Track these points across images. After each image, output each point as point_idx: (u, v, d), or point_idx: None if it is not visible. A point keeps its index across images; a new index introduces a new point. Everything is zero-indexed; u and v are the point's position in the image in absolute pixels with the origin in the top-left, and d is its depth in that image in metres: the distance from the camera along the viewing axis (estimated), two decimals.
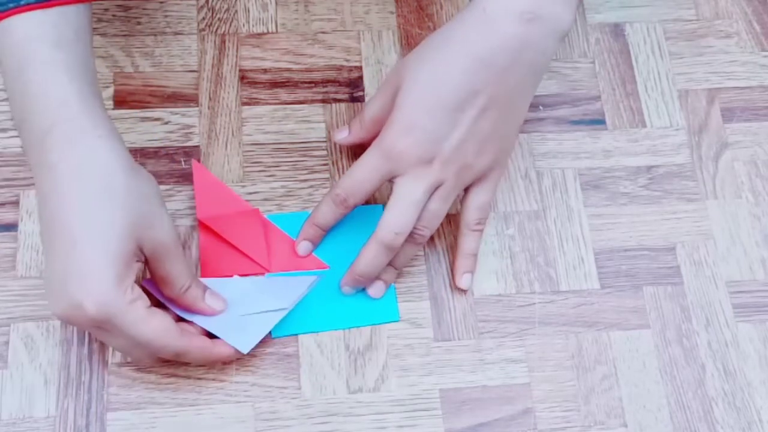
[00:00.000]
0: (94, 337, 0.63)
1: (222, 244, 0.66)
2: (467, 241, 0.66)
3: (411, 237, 0.64)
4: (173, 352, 0.58)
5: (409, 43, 0.75)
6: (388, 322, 0.66)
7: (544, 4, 0.59)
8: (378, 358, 0.65)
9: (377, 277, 0.66)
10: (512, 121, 0.64)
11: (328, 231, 0.67)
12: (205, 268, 0.66)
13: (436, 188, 0.63)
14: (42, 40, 0.57)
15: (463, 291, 0.67)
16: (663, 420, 0.65)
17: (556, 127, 0.74)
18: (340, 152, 0.71)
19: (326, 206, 0.65)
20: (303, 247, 0.67)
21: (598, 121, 0.74)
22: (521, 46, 0.60)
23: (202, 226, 0.67)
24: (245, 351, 0.62)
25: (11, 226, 0.67)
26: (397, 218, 0.62)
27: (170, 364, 0.63)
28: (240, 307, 0.64)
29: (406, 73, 0.63)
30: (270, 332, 0.64)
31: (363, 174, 0.63)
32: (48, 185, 0.56)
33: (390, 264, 0.65)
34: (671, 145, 0.74)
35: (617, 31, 0.78)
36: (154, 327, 0.57)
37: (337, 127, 0.71)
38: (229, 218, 0.66)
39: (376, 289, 0.66)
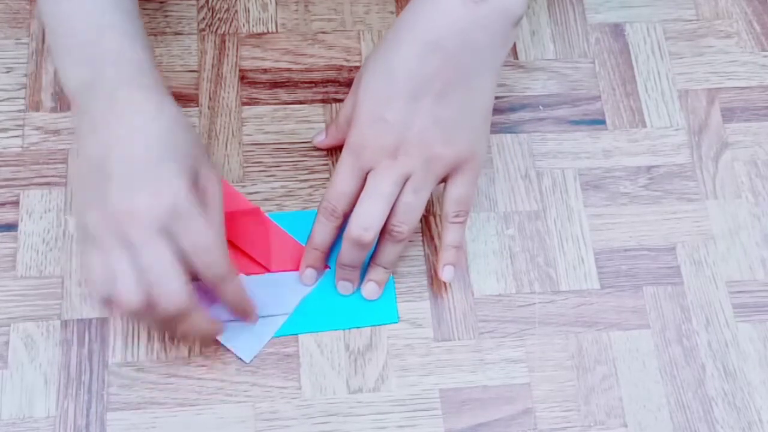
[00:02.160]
0: (126, 256, 0.57)
1: None
2: (447, 234, 0.65)
3: (389, 234, 0.63)
4: (218, 273, 0.58)
5: None
6: (388, 324, 0.66)
7: None
8: (378, 358, 0.65)
9: (368, 279, 0.66)
10: (477, 107, 0.63)
11: (329, 252, 0.66)
12: None
13: (407, 180, 0.62)
14: (113, 11, 0.61)
15: (444, 283, 0.67)
16: (663, 420, 0.65)
17: (556, 127, 0.74)
18: (340, 152, 0.71)
19: (319, 225, 0.65)
20: (308, 275, 0.66)
21: (598, 121, 0.74)
22: (468, 27, 0.60)
23: None
24: (248, 359, 0.64)
25: (11, 226, 0.67)
26: (363, 214, 0.62)
27: (170, 364, 0.63)
28: None
29: (364, 69, 0.63)
30: None
31: (340, 178, 0.63)
32: (122, 116, 0.58)
33: (378, 264, 0.65)
34: (671, 145, 0.74)
35: (617, 31, 0.78)
36: (214, 236, 0.58)
37: None
38: (230, 216, 0.66)
39: (368, 291, 0.66)
